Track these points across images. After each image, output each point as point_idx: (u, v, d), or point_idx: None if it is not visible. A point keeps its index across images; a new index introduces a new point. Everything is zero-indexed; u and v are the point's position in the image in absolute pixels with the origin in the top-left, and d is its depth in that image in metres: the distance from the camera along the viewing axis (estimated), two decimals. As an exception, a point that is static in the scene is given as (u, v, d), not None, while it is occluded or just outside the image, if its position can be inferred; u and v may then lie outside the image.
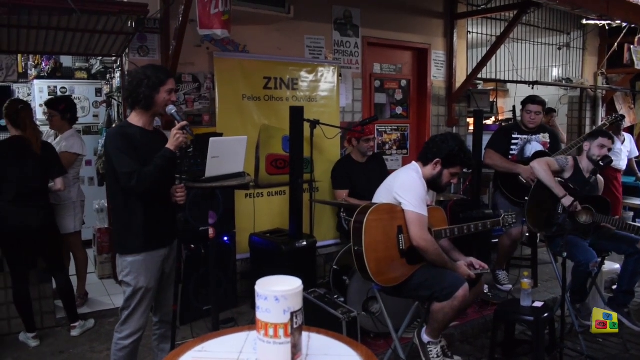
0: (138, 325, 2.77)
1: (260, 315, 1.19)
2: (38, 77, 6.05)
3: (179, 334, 3.64)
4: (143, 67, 2.78)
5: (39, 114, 5.80)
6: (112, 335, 2.82)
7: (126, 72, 5.78)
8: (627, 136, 7.00)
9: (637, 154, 7.23)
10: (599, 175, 3.90)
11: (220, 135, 4.11)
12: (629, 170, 7.08)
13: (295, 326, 1.20)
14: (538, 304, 3.36)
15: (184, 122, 2.69)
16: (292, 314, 1.19)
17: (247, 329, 1.43)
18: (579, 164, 3.99)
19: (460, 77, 6.06)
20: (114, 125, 2.96)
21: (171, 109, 2.73)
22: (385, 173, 4.70)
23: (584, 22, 6.40)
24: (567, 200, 3.71)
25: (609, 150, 3.89)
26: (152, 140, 2.76)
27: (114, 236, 2.85)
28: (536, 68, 7.21)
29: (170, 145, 2.66)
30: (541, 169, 3.88)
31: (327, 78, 5.07)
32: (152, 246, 2.74)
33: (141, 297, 2.74)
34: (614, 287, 4.46)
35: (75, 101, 5.86)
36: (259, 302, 1.19)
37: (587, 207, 3.75)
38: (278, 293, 1.17)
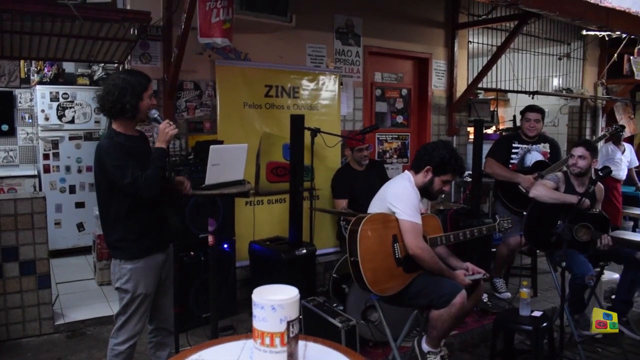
0: (134, 330, 2.77)
1: (257, 324, 1.20)
2: (40, 82, 6.07)
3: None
4: (122, 74, 2.71)
5: (41, 119, 5.83)
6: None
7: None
8: (627, 146, 7.03)
9: (637, 163, 7.25)
10: (599, 183, 3.90)
11: (221, 142, 4.13)
12: (629, 180, 7.09)
13: (291, 335, 1.20)
14: (537, 313, 3.35)
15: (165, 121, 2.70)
16: (288, 323, 1.19)
17: (245, 337, 1.44)
18: (569, 178, 3.98)
19: (460, 87, 6.08)
20: (103, 138, 2.87)
21: (154, 114, 2.73)
22: (386, 181, 4.70)
23: (584, 32, 6.42)
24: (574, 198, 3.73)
25: (580, 157, 3.86)
26: (140, 145, 2.76)
27: (113, 245, 2.77)
28: (536, 78, 7.23)
29: (161, 142, 2.67)
30: (543, 191, 3.84)
31: (328, 86, 5.09)
32: (153, 250, 2.76)
33: (139, 303, 2.74)
34: (613, 296, 4.45)
35: (77, 107, 5.95)
36: (255, 311, 1.20)
37: (585, 225, 3.74)
38: (275, 302, 1.18)
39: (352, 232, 2.91)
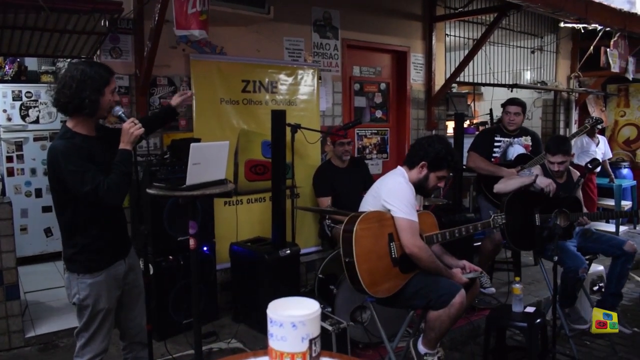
0: (100, 348, 2.50)
1: (274, 343, 1.05)
2: (1, 81, 5.75)
3: (156, 350, 3.46)
4: (80, 65, 2.40)
5: (3, 120, 5.52)
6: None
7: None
8: (601, 138, 7.12)
9: (611, 155, 7.34)
10: (574, 170, 3.97)
11: (198, 140, 3.94)
12: (603, 172, 7.17)
13: (314, 354, 1.06)
14: (530, 309, 3.29)
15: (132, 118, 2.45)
16: (310, 341, 1.05)
17: (252, 355, 1.29)
18: (548, 172, 3.94)
19: (439, 81, 6.02)
20: (57, 138, 2.55)
21: (118, 111, 2.49)
22: (368, 178, 4.60)
23: (561, 25, 6.42)
24: (543, 181, 3.71)
25: (560, 163, 3.85)
26: (100, 146, 2.45)
27: (70, 258, 2.47)
28: (510, 71, 7.23)
29: (125, 144, 2.40)
30: (500, 184, 3.87)
31: (307, 81, 4.94)
32: (114, 260, 2.52)
33: (102, 318, 2.48)
34: (595, 288, 4.45)
35: (42, 106, 5.66)
36: (272, 329, 1.05)
37: (561, 210, 3.71)
38: (295, 319, 1.03)
39: (347, 231, 2.77)
